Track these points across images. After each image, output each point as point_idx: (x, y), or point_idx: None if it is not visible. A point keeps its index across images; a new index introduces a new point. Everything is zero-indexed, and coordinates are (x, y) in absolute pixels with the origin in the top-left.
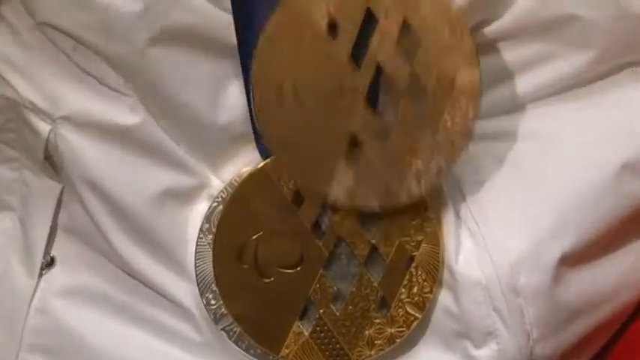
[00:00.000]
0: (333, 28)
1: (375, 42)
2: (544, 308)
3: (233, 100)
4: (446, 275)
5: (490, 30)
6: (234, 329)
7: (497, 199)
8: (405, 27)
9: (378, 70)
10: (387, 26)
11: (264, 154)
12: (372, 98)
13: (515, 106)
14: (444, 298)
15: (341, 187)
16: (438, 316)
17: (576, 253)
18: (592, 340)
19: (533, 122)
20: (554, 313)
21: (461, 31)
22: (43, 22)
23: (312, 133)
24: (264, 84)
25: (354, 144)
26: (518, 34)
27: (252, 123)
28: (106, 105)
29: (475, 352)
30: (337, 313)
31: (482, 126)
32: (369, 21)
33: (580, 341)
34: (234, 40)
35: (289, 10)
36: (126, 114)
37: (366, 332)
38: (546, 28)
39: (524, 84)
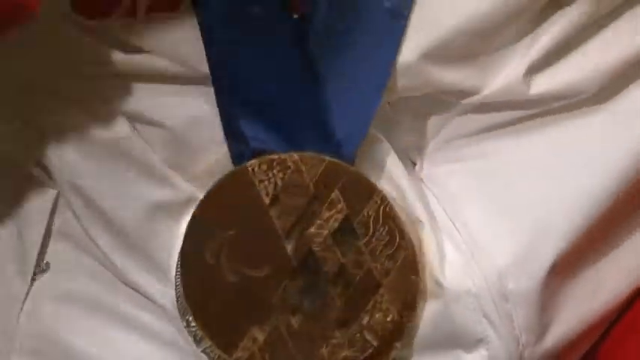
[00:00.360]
0: (275, 201)
1: (313, 228)
2: (533, 313)
3: (207, 125)
4: (433, 286)
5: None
6: (215, 351)
7: (479, 209)
8: (346, 220)
9: (310, 252)
10: (328, 217)
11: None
12: (297, 277)
13: (495, 128)
14: (433, 307)
15: (246, 350)
16: (427, 324)
17: (566, 258)
18: (582, 341)
19: (512, 139)
20: (544, 317)
21: (401, 236)
22: None
23: (232, 292)
24: (197, 237)
25: (269, 314)
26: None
27: (230, 147)
28: (93, 117)
29: (466, 358)
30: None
31: (461, 143)
32: (312, 205)
33: (570, 344)
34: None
35: (239, 177)
36: (113, 126)
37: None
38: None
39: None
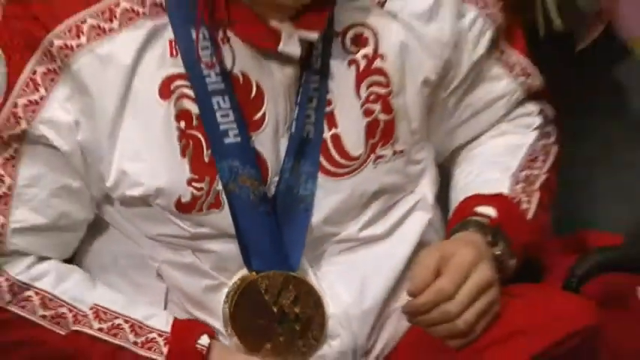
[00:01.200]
0: (267, 292)
1: (285, 302)
2: (365, 328)
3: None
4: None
5: None
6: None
7: (342, 279)
8: (296, 297)
9: (285, 313)
10: (289, 297)
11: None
12: (281, 322)
13: (347, 248)
14: None
15: (265, 351)
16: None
17: (379, 301)
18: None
19: (352, 253)
20: (371, 331)
21: (320, 302)
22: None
23: (256, 331)
24: (241, 312)
25: (272, 337)
26: None
27: (245, 257)
28: (178, 254)
29: (328, 345)
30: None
31: (334, 255)
32: (282, 293)
33: (392, 348)
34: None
35: (251, 287)
36: (185, 258)
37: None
38: None
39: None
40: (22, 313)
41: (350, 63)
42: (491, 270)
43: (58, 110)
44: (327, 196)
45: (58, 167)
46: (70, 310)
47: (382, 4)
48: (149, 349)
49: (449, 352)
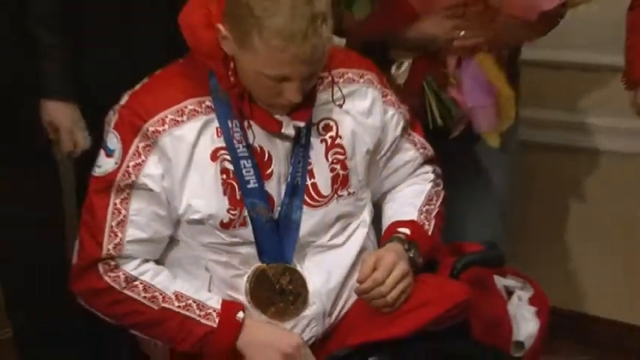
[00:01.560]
0: (273, 276)
1: (283, 281)
2: (329, 301)
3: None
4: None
5: None
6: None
7: (317, 269)
8: (290, 280)
9: (282, 287)
10: (284, 279)
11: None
12: (281, 294)
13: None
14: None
15: (272, 313)
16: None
17: (340, 282)
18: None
19: (326, 252)
20: (333, 303)
21: (304, 283)
22: None
23: (265, 300)
24: (256, 289)
25: (274, 304)
26: None
27: (259, 255)
28: (219, 255)
29: (308, 309)
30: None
31: (314, 252)
32: (282, 276)
33: (344, 316)
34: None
35: (263, 272)
36: (223, 257)
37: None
38: None
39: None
40: (132, 295)
41: (322, 141)
42: (407, 266)
43: (153, 168)
44: (309, 219)
45: (153, 202)
46: (161, 294)
47: (340, 106)
48: (207, 319)
49: (382, 315)
